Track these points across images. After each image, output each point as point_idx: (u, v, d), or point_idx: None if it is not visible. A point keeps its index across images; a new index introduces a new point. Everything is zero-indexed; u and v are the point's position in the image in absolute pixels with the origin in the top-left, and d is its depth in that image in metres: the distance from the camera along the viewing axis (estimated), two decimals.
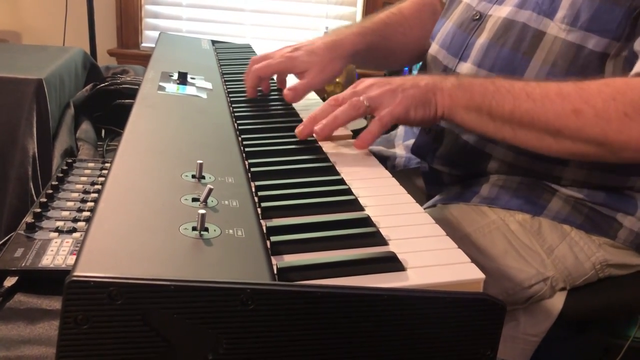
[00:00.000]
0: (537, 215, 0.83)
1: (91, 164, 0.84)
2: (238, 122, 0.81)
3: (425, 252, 0.48)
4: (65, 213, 0.69)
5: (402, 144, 1.11)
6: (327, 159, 0.68)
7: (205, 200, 0.51)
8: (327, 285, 0.41)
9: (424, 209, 0.89)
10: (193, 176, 0.57)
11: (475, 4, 0.90)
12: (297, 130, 0.76)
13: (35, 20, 2.31)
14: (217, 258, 0.43)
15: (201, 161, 0.57)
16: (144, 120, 0.73)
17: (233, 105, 0.89)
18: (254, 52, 1.46)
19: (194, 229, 0.46)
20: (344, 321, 0.40)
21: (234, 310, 0.39)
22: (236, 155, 0.67)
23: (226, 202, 0.52)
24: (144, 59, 2.30)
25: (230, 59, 1.31)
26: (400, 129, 1.16)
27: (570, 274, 0.83)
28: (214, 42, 1.55)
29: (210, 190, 0.51)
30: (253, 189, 0.59)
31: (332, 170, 0.65)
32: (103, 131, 1.03)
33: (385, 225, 0.52)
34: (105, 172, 0.82)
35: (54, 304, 0.55)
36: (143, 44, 2.36)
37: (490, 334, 0.43)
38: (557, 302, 0.85)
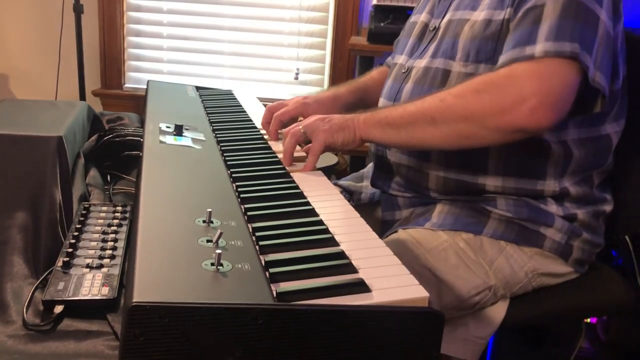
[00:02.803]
0: (478, 234, 1.02)
1: (104, 208, 0.99)
2: (231, 170, 0.96)
3: (386, 277, 0.64)
4: (91, 252, 0.83)
5: (369, 181, 1.29)
6: (308, 203, 0.84)
7: (217, 242, 0.66)
8: (314, 304, 0.57)
9: (389, 234, 1.08)
10: (204, 221, 0.72)
11: (404, 62, 1.15)
12: (283, 162, 1.01)
13: (23, 62, 2.42)
14: (232, 286, 0.58)
15: (210, 209, 0.72)
16: (155, 173, 0.88)
17: (225, 155, 1.05)
18: (235, 97, 1.62)
19: (212, 264, 0.61)
20: (326, 330, 0.55)
21: (247, 325, 0.54)
22: (234, 200, 0.83)
23: (232, 242, 0.68)
24: (127, 99, 2.45)
25: (215, 106, 1.47)
26: (368, 168, 1.35)
27: (508, 282, 1.02)
28: (197, 88, 1.71)
29: (221, 233, 0.66)
30: (250, 230, 0.74)
31: (313, 212, 0.81)
32: (109, 176, 1.17)
33: (356, 257, 0.68)
34: (117, 214, 0.96)
35: (94, 326, 0.69)
36: (126, 85, 2.50)
37: (435, 338, 0.59)
38: (500, 309, 1.03)
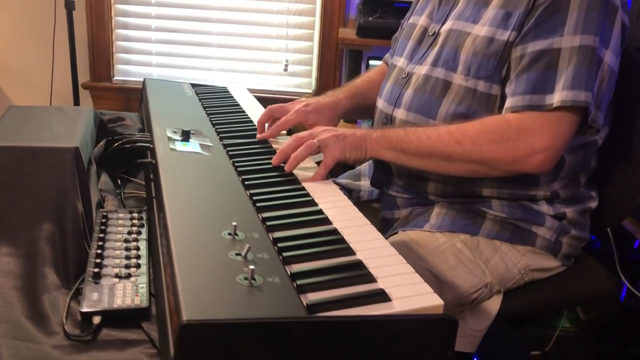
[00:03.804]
0: (475, 235, 1.09)
1: (121, 215, 1.03)
2: (242, 177, 1.01)
3: (402, 286, 0.70)
4: (117, 260, 0.88)
5: (367, 180, 1.35)
6: (321, 211, 0.90)
7: (246, 256, 0.72)
8: (344, 316, 0.63)
9: (389, 234, 1.14)
10: (229, 234, 0.77)
11: (404, 66, 1.19)
12: (272, 161, 1.05)
13: (15, 57, 2.41)
14: (267, 300, 0.64)
15: (235, 223, 0.78)
16: (174, 184, 0.93)
17: (233, 161, 1.09)
18: (231, 95, 1.66)
19: (245, 279, 0.67)
20: (353, 339, 0.62)
21: (285, 335, 0.60)
22: (251, 209, 0.88)
23: (259, 255, 0.73)
24: (117, 91, 2.46)
25: (214, 106, 1.50)
26: (364, 166, 1.41)
27: (503, 279, 1.09)
28: (193, 85, 1.74)
29: (249, 248, 0.72)
30: (272, 239, 0.79)
31: (327, 220, 0.87)
32: (119, 180, 1.21)
33: (372, 266, 0.74)
34: (135, 221, 1.01)
35: (131, 335, 0.74)
36: (115, 78, 2.51)
37: (450, 340, 0.66)
38: (495, 303, 1.11)
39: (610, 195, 1.22)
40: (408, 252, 1.06)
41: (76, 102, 2.08)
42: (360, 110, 1.32)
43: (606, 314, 1.92)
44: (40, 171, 0.96)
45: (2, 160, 0.96)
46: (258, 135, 1.22)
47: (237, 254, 0.72)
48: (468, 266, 1.06)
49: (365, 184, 1.36)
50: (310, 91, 2.53)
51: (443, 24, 1.14)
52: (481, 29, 1.04)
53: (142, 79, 2.10)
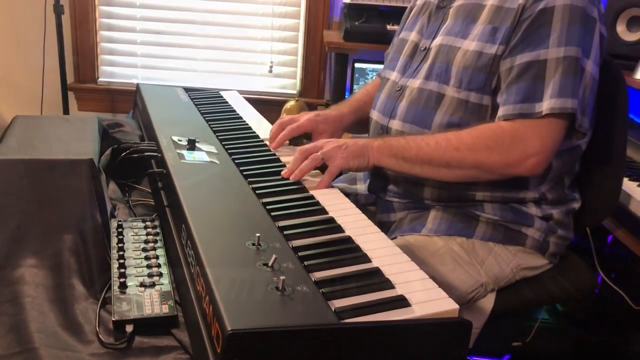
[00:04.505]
0: (470, 237, 1.16)
1: (134, 223, 1.07)
2: (252, 186, 1.06)
3: (419, 292, 0.77)
4: (139, 269, 0.91)
5: (363, 184, 1.40)
6: (333, 220, 0.95)
7: (272, 265, 0.77)
8: (371, 322, 0.69)
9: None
10: (253, 244, 0.82)
11: (398, 80, 1.25)
12: (282, 174, 1.11)
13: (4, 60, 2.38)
14: (300, 307, 0.69)
15: (259, 234, 0.82)
16: (191, 195, 0.97)
17: (241, 169, 1.14)
18: (225, 100, 1.70)
19: (277, 288, 0.72)
20: (379, 343, 0.68)
21: (319, 341, 0.65)
22: (267, 218, 0.93)
23: (285, 264, 0.78)
24: (102, 92, 2.46)
25: (211, 112, 1.54)
26: None
27: (497, 278, 1.16)
28: (186, 90, 1.77)
29: (276, 258, 0.77)
30: (291, 247, 0.84)
31: (340, 229, 0.92)
32: (126, 188, 1.24)
33: (388, 273, 0.80)
34: (149, 229, 1.04)
35: (163, 342, 0.78)
36: (100, 79, 2.50)
37: (465, 341, 0.72)
38: (490, 301, 1.18)
39: (592, 197, 1.30)
40: (408, 256, 1.12)
41: (65, 104, 2.08)
42: (362, 123, 1.38)
43: (582, 306, 2.03)
44: (57, 183, 0.99)
45: (20, 173, 0.98)
46: (271, 145, 1.27)
47: (264, 264, 0.77)
48: (465, 268, 1.13)
49: (361, 187, 1.42)
50: (295, 92, 2.57)
51: (433, 39, 1.20)
52: (470, 44, 1.11)
53: (127, 81, 2.11)
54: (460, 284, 1.12)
